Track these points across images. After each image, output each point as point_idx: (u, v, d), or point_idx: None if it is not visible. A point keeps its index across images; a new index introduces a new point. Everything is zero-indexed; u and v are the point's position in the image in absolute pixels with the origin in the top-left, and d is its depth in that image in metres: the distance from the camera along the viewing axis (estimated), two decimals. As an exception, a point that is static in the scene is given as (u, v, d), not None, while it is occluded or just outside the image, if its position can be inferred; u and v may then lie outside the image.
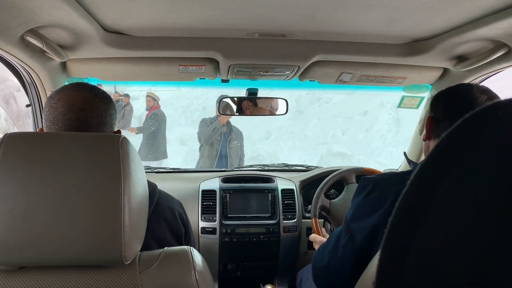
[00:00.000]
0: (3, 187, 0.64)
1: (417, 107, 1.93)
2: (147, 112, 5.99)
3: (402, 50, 1.39)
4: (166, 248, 0.78)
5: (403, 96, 1.95)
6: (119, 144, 0.68)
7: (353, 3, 1.00)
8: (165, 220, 0.99)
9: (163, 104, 6.47)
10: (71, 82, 0.95)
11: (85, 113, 0.89)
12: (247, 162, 4.46)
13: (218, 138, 4.24)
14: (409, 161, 1.47)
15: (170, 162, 5.90)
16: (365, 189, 1.07)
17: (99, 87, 0.96)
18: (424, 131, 1.13)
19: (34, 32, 1.08)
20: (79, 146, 0.68)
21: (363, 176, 1.81)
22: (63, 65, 1.43)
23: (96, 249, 0.66)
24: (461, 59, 1.43)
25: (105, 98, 0.95)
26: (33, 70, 1.34)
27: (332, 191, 1.82)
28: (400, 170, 2.28)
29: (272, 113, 1.87)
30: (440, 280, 0.26)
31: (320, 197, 1.73)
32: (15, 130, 4.99)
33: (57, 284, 0.69)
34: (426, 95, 1.88)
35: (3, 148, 0.65)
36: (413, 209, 0.29)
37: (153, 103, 5.85)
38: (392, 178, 1.07)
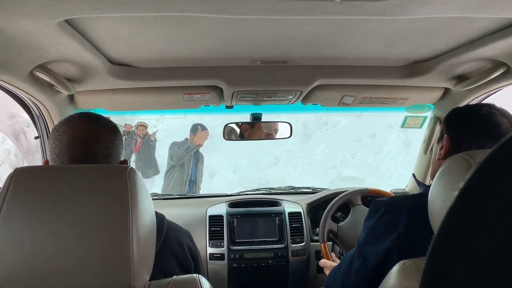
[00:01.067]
0: (13, 220, 0.65)
1: (421, 126, 1.94)
2: (140, 140, 6.29)
3: (402, 72, 1.41)
4: (174, 277, 0.78)
5: (406, 116, 1.97)
6: (126, 175, 0.70)
7: (351, 30, 1.02)
8: (173, 254, 0.98)
9: (171, 133, 6.52)
10: (77, 113, 0.95)
11: (91, 145, 0.88)
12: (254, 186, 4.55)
13: (187, 162, 4.27)
14: (418, 183, 1.47)
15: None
16: (377, 213, 1.07)
17: (105, 117, 0.96)
18: (435, 150, 1.13)
19: (42, 67, 1.12)
20: (87, 178, 0.69)
21: (369, 197, 1.82)
22: (71, 98, 1.47)
23: (106, 279, 0.67)
24: (461, 78, 1.44)
25: (111, 128, 0.94)
26: (41, 103, 1.38)
27: (339, 214, 1.82)
28: (407, 189, 2.26)
29: (276, 136, 1.89)
30: None
31: (327, 221, 1.73)
32: (26, 164, 5.06)
33: None
34: (429, 115, 1.89)
35: (13, 182, 0.67)
36: (458, 227, 0.28)
37: (145, 130, 6.17)
38: (403, 202, 1.07)
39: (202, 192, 4.80)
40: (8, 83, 1.13)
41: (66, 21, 0.86)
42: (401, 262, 0.90)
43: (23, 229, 0.65)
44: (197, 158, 4.45)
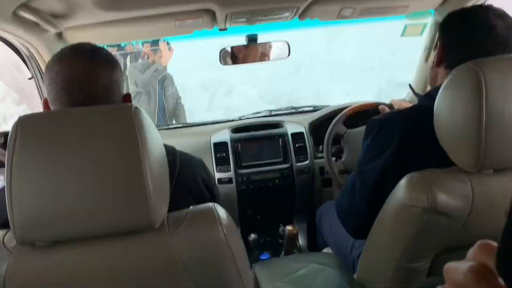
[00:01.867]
0: (27, 170, 0.65)
1: (421, 34, 1.88)
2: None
3: None
4: (191, 207, 0.80)
5: (405, 25, 1.90)
6: (132, 115, 0.69)
7: None
8: (188, 190, 0.97)
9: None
10: (69, 46, 0.88)
11: (89, 88, 0.84)
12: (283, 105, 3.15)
13: (153, 88, 3.73)
14: (415, 94, 1.47)
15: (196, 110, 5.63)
16: (372, 131, 1.09)
17: (101, 48, 0.89)
18: (432, 57, 1.11)
19: (26, 6, 1.06)
20: (94, 121, 0.69)
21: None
22: (59, 35, 1.40)
23: (126, 216, 0.69)
24: None
25: (108, 63, 0.87)
26: (30, 44, 1.32)
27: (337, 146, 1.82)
28: (407, 99, 2.25)
29: (272, 57, 1.84)
30: None
31: (337, 124, 1.73)
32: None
33: (93, 254, 0.73)
34: (430, 21, 1.82)
35: (19, 132, 0.66)
36: None
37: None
38: (396, 119, 1.08)
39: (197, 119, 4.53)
40: None
41: None
42: (409, 175, 0.92)
43: (38, 177, 0.66)
44: (163, 80, 3.81)
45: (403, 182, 0.92)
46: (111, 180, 0.67)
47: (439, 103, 0.91)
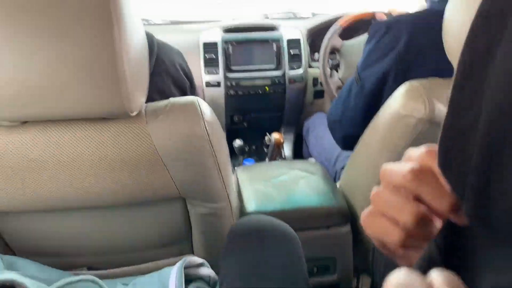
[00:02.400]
0: None
1: None
2: None
3: None
4: (171, 98, 0.76)
5: None
6: None
7: None
8: (168, 74, 0.94)
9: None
10: None
11: None
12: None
13: None
14: None
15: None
16: (377, 34, 1.02)
17: None
18: None
19: None
20: None
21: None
22: None
23: (98, 100, 0.63)
24: None
25: None
26: None
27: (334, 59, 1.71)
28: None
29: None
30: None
31: (332, 37, 1.63)
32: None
33: (62, 136, 0.69)
34: None
35: None
36: (481, 51, 0.24)
37: None
38: (405, 18, 1.00)
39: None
40: None
41: None
42: (407, 82, 0.86)
43: (1, 49, 0.58)
44: None
45: (400, 89, 0.86)
46: (82, 57, 0.60)
47: (451, 6, 0.82)
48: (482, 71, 0.23)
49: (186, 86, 1.01)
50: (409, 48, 0.94)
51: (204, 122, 0.73)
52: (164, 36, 1.87)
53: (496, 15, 0.23)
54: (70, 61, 0.60)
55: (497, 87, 0.22)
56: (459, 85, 0.26)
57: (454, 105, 0.26)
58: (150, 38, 0.89)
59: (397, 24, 0.99)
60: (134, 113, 0.68)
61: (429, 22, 0.93)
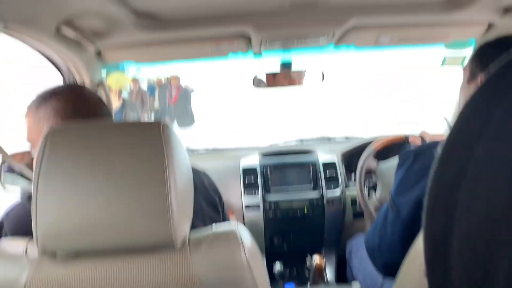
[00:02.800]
0: (53, 180, 0.66)
1: (462, 64, 1.82)
2: (175, 91, 6.35)
3: (443, 6, 1.30)
4: (214, 227, 0.79)
5: (444, 56, 1.84)
6: (161, 130, 0.69)
7: None
8: (199, 195, 0.99)
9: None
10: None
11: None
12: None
13: None
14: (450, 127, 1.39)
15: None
16: (407, 162, 1.05)
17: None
18: (466, 91, 1.07)
19: (68, 23, 1.11)
20: (122, 135, 0.69)
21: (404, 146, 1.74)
22: (98, 54, 1.45)
23: (148, 232, 0.67)
24: (509, 10, 1.32)
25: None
26: (70, 61, 1.37)
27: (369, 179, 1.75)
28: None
29: (305, 83, 1.81)
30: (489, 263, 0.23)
31: (367, 159, 1.66)
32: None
33: (112, 269, 0.71)
34: (470, 52, 1.76)
35: (49, 142, 0.67)
36: (446, 188, 0.28)
37: (179, 82, 6.23)
38: (432, 149, 1.03)
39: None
40: (37, 41, 1.13)
41: None
42: None
43: (64, 188, 0.66)
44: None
45: None
46: (134, 194, 0.66)
47: None
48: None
49: (216, 201, 1.07)
50: None
51: (244, 252, 0.74)
52: (206, 163, 2.00)
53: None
54: (125, 198, 0.66)
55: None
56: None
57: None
58: None
59: (425, 153, 1.02)
60: (179, 244, 0.70)
61: None
